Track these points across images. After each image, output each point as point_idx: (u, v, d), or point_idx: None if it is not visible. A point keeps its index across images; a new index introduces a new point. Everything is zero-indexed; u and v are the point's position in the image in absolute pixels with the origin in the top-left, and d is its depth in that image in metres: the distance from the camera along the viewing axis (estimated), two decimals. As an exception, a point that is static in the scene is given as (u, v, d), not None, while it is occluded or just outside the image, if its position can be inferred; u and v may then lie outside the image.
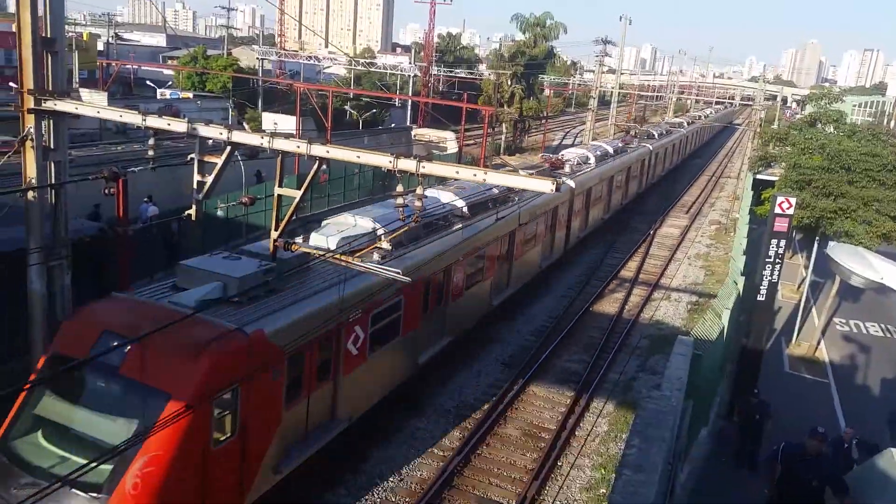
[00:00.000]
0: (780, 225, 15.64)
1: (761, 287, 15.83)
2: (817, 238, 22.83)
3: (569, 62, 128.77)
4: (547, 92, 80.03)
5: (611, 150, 35.00)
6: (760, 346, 16.43)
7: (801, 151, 24.86)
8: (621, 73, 68.85)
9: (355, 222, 14.66)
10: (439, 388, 17.09)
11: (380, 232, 13.70)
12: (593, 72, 67.98)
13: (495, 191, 19.89)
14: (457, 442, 14.80)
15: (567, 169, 28.06)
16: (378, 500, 12.80)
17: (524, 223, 21.37)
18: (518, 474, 13.93)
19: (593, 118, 54.07)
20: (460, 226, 16.97)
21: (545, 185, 10.45)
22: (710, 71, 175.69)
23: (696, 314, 23.30)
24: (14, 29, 11.73)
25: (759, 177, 33.89)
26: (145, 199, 23.07)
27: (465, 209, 18.06)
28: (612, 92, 62.00)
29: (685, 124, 63.57)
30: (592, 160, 31.25)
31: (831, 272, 18.48)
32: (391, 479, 13.46)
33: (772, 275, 15.75)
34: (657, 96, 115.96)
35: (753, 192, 30.79)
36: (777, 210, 15.58)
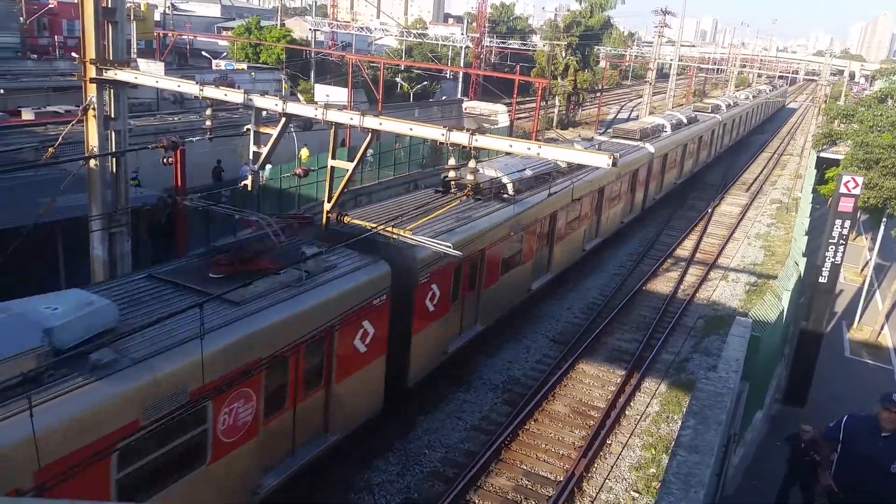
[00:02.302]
0: (846, 205, 15.03)
1: (823, 269, 15.28)
2: (884, 219, 21.92)
3: (626, 33, 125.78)
4: (602, 64, 78.42)
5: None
6: (820, 330, 15.90)
7: (869, 129, 23.82)
8: (681, 45, 66.75)
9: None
10: (487, 363, 17.08)
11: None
12: (651, 43, 66.13)
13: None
14: (504, 417, 14.79)
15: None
16: (426, 470, 12.91)
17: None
18: (566, 451, 13.86)
19: (651, 91, 52.72)
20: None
21: (602, 160, 10.20)
22: (773, 44, 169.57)
23: (755, 295, 22.71)
24: (77, 0, 11.92)
25: (822, 155, 32.63)
26: (245, 162, 23.42)
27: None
28: (670, 64, 60.36)
29: (684, 121, 37.74)
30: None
31: (900, 254, 17.72)
32: (439, 449, 13.55)
33: (835, 256, 15.18)
34: (718, 69, 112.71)
35: (817, 171, 29.69)
36: (842, 189, 14.97)
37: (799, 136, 69.15)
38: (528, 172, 18.65)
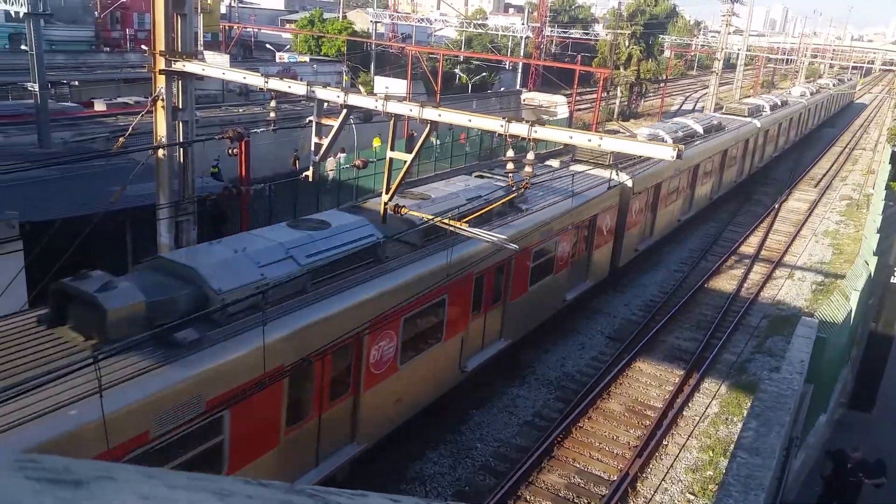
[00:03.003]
0: (924, 202, 14.40)
1: (896, 268, 14.69)
2: (965, 218, 20.83)
3: (692, 22, 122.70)
4: (667, 53, 76.68)
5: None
6: (891, 332, 15.31)
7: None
8: (749, 35, 64.59)
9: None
10: (541, 359, 16.97)
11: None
12: (718, 32, 64.09)
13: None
14: (558, 413, 14.69)
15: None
16: (478, 463, 12.93)
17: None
18: (621, 450, 13.68)
19: (717, 82, 51.30)
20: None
21: (666, 152, 9.97)
22: (847, 33, 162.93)
23: (821, 295, 21.94)
24: (148, -7, 12.27)
25: (899, 149, 31.28)
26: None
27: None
28: (738, 54, 58.58)
29: (699, 131, 28.41)
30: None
31: (981, 256, 16.84)
32: (491, 443, 13.56)
33: (910, 256, 14.57)
34: (787, 60, 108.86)
35: (891, 167, 28.47)
36: (921, 186, 14.33)
37: (873, 129, 66.27)
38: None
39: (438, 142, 29.45)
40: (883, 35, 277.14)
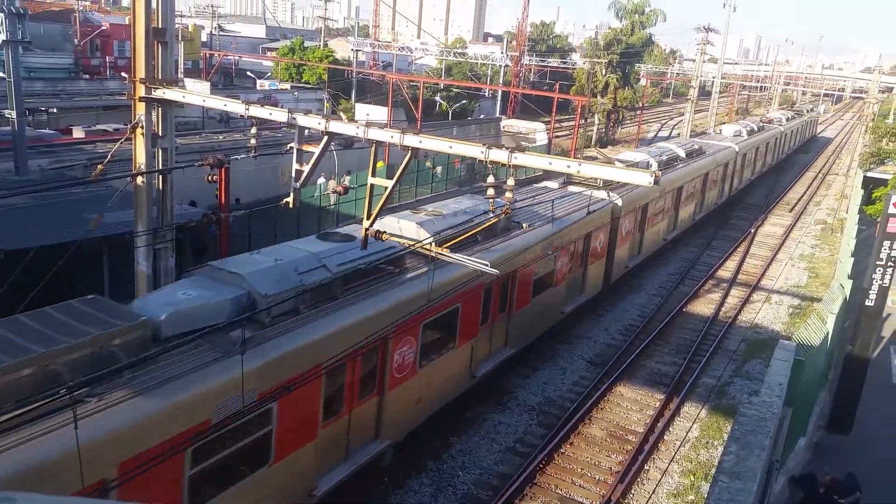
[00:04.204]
0: (895, 226, 14.64)
1: (870, 292, 14.87)
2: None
3: (668, 50, 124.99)
4: (643, 81, 77.92)
5: None
6: (866, 355, 15.45)
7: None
8: (723, 63, 65.81)
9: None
10: (522, 384, 16.95)
11: None
12: (693, 60, 65.21)
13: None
14: (539, 439, 14.64)
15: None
16: (459, 492, 12.82)
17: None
18: (602, 476, 13.65)
19: (693, 109, 52.18)
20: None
21: (643, 178, 10.10)
22: (818, 61, 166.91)
23: (798, 318, 22.19)
24: (128, 21, 12.28)
25: (870, 174, 31.96)
26: (321, 173, 24.71)
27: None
28: (713, 82, 59.67)
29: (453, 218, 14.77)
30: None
31: (952, 279, 17.10)
32: (473, 471, 13.46)
33: (882, 279, 14.77)
34: (761, 87, 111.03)
35: (864, 191, 29.04)
36: (891, 209, 14.58)
37: (844, 155, 67.55)
38: None
39: (430, 166, 29.66)
40: (852, 63, 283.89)
